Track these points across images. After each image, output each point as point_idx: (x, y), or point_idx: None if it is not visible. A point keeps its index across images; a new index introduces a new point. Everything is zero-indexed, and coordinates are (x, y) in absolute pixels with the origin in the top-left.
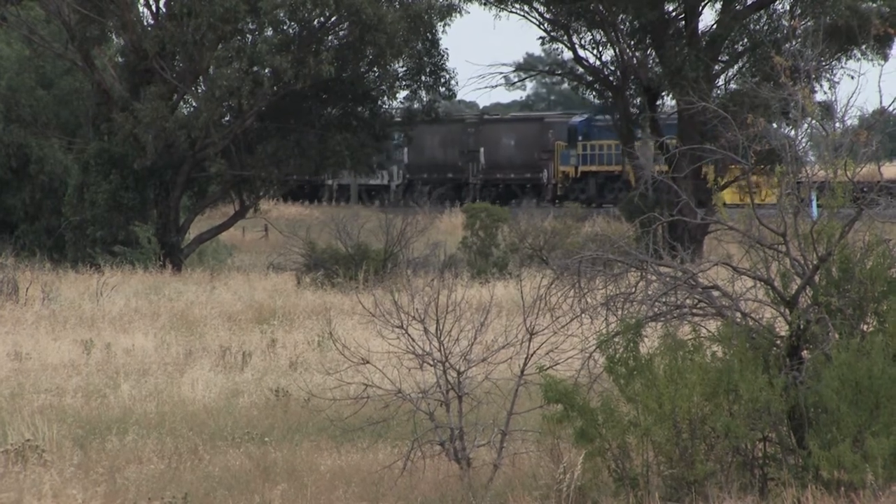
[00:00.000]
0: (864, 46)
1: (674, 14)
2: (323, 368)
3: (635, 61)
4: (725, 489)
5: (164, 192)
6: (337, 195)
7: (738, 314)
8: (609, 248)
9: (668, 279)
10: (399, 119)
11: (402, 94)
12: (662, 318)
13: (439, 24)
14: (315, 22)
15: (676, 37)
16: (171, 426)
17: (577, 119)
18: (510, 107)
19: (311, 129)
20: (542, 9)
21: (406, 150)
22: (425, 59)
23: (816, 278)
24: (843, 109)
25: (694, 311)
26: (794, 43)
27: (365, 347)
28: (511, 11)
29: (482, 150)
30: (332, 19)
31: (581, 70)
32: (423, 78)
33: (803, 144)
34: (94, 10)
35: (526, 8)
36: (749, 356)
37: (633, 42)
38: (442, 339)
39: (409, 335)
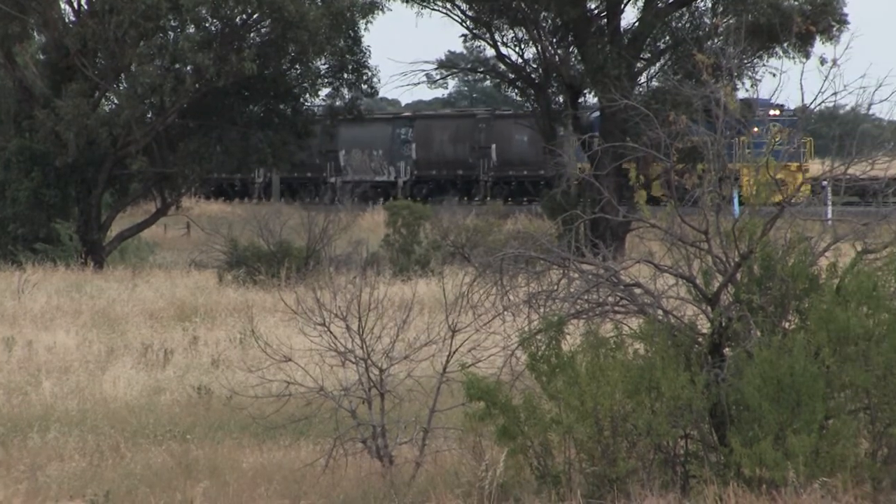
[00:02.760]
0: (786, 44)
1: (596, 12)
2: (245, 366)
3: (557, 59)
4: (647, 486)
5: (85, 190)
6: (340, 192)
7: (660, 312)
8: (531, 245)
9: (590, 276)
10: (321, 116)
11: (325, 91)
12: (584, 316)
13: (361, 21)
14: (237, 19)
15: (598, 34)
16: (93, 424)
17: (595, 114)
18: (432, 104)
19: (234, 127)
20: (464, 6)
21: (414, 145)
22: (347, 56)
23: (738, 276)
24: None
25: (616, 308)
26: (716, 41)
27: (287, 345)
28: (433, 9)
29: (494, 146)
30: (255, 16)
31: (503, 68)
32: (345, 75)
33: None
34: (15, 7)
35: (448, 5)
36: (671, 354)
37: (555, 40)
38: (364, 336)
39: (331, 332)
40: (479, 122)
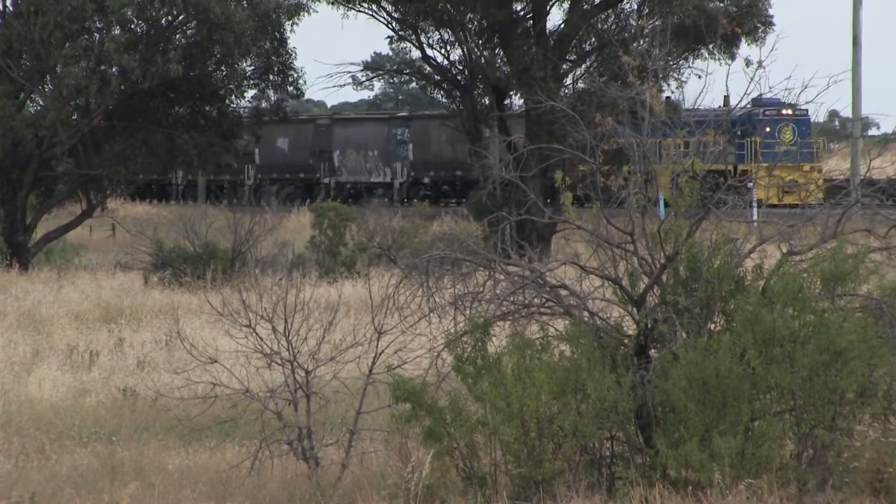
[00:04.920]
0: (711, 46)
1: (522, 13)
2: (171, 368)
3: (483, 61)
4: (573, 488)
5: (10, 191)
6: (335, 192)
7: (586, 313)
8: (457, 247)
9: (516, 278)
10: (247, 118)
11: (251, 93)
12: (510, 317)
13: (287, 23)
14: (163, 21)
15: (524, 36)
16: (18, 425)
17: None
18: (358, 106)
19: (159, 129)
20: (390, 8)
21: (411, 146)
22: (273, 58)
23: (664, 277)
24: (691, 108)
25: (542, 310)
26: (641, 42)
27: (213, 346)
28: (359, 10)
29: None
30: (180, 18)
31: (429, 69)
32: (271, 77)
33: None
34: None
35: (374, 7)
36: (597, 355)
37: (481, 41)
38: (290, 338)
39: (257, 334)
40: None
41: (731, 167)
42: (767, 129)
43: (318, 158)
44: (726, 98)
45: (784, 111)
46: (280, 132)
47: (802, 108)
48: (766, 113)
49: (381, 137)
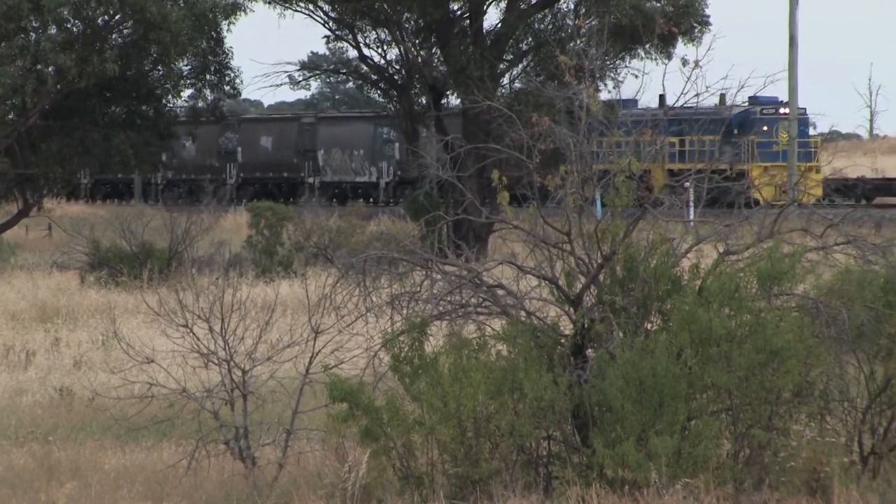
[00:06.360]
0: (648, 45)
1: (458, 13)
2: (107, 367)
3: (420, 60)
4: (510, 488)
5: None
6: (319, 192)
7: (523, 313)
8: (394, 246)
9: (452, 278)
10: (184, 118)
11: (187, 92)
12: (447, 317)
13: (224, 22)
14: (99, 20)
15: (461, 36)
16: None
17: None
18: (295, 105)
19: (96, 128)
20: (326, 7)
21: (397, 144)
22: (210, 57)
23: (601, 277)
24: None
25: (479, 309)
26: (578, 42)
27: (150, 346)
28: (296, 10)
29: None
30: (117, 17)
31: (366, 69)
32: (207, 77)
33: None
34: None
35: (311, 7)
36: (534, 355)
37: (417, 41)
38: (227, 337)
39: (194, 334)
40: None
41: (727, 166)
42: (765, 128)
43: (302, 157)
44: (722, 96)
45: (782, 110)
46: (263, 130)
47: (801, 106)
48: (764, 112)
49: (367, 136)
